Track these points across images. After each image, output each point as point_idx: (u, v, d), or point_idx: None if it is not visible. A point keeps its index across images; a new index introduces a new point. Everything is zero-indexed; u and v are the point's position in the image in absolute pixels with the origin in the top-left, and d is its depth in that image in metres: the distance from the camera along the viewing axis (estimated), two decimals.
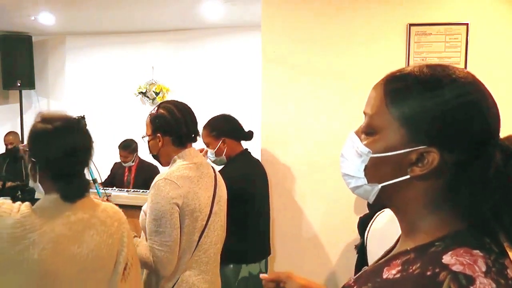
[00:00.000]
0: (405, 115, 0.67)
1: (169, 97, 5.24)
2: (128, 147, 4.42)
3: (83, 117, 3.02)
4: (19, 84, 5.23)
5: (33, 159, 1.31)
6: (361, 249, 2.48)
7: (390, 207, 0.75)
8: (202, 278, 1.77)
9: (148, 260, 1.65)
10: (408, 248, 0.69)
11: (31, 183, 1.35)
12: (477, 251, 0.62)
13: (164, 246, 1.64)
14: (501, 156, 0.64)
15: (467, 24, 2.58)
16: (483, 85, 0.68)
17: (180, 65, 5.29)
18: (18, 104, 5.46)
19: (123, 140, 4.54)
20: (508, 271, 0.62)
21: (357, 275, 0.78)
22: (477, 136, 0.65)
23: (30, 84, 5.35)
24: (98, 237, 1.31)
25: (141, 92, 5.39)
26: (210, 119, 2.46)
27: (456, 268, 0.60)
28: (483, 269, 0.60)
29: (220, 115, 2.49)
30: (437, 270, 0.61)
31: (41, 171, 1.30)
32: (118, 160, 4.78)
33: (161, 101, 1.96)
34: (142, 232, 1.77)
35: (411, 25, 2.62)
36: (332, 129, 2.74)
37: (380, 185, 0.70)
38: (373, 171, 0.71)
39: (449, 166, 0.66)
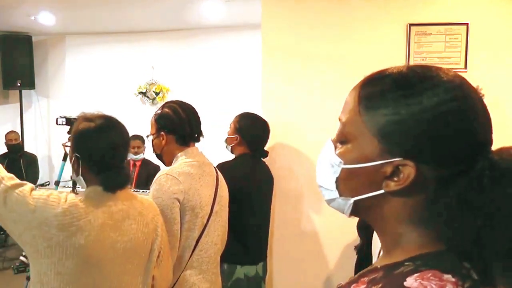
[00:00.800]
0: (378, 124, 0.60)
1: (169, 97, 5.24)
2: (138, 137, 4.39)
3: None
4: (19, 84, 5.23)
5: (77, 155, 1.42)
6: (361, 250, 2.48)
7: (368, 222, 0.68)
8: (203, 278, 1.78)
9: None
10: (379, 266, 0.63)
11: (73, 176, 1.47)
12: (449, 275, 0.54)
13: None
14: (489, 173, 0.56)
15: (467, 24, 2.58)
16: (473, 89, 0.61)
17: (180, 65, 5.29)
18: (18, 104, 5.47)
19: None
20: None
21: None
22: (461, 149, 0.58)
23: (30, 84, 5.36)
24: (135, 226, 1.43)
25: (141, 92, 5.39)
26: (249, 114, 2.49)
27: None
28: None
29: (259, 119, 2.48)
30: None
31: (84, 165, 1.42)
32: None
33: (166, 101, 1.97)
34: None
35: (411, 25, 2.62)
36: (332, 128, 2.73)
37: (352, 199, 0.64)
38: (345, 183, 0.65)
39: (429, 181, 0.59)
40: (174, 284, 1.73)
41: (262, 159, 2.52)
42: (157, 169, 4.17)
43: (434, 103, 0.58)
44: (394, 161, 0.59)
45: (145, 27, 5.13)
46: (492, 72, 2.56)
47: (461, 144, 0.58)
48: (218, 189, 1.86)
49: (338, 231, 2.79)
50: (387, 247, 0.65)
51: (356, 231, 2.46)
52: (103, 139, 1.41)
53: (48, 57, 5.69)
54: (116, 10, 4.38)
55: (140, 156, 4.50)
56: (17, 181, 1.36)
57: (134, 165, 4.54)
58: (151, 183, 1.76)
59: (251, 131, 2.42)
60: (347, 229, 2.77)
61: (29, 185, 1.37)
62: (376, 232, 0.67)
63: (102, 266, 1.35)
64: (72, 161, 1.44)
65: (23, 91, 5.46)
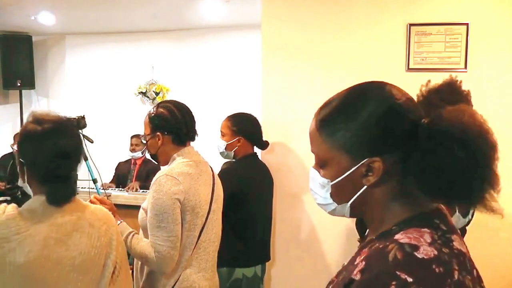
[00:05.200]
0: (340, 143, 0.78)
1: (169, 97, 5.24)
2: (139, 136, 4.47)
3: (83, 117, 3.01)
4: (19, 84, 5.23)
5: (21, 160, 1.28)
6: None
7: (361, 215, 0.84)
8: (202, 276, 1.79)
9: (150, 256, 1.66)
10: (374, 237, 0.80)
11: (20, 183, 1.33)
12: (425, 229, 0.74)
13: (166, 242, 1.64)
14: (429, 143, 0.72)
15: (467, 24, 2.58)
16: (394, 87, 0.79)
17: (180, 65, 5.29)
18: (18, 104, 5.46)
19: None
20: (454, 243, 0.73)
21: (338, 271, 0.87)
22: (403, 133, 0.75)
23: (30, 84, 5.35)
24: (86, 239, 1.29)
25: (141, 92, 5.39)
26: (237, 113, 2.49)
27: (403, 240, 0.72)
28: (428, 240, 0.71)
29: (248, 114, 2.50)
30: (387, 243, 0.73)
31: (29, 172, 1.28)
32: (120, 159, 4.79)
33: (160, 101, 1.97)
34: (141, 230, 1.78)
35: (411, 25, 2.62)
36: None
37: (349, 203, 0.82)
38: (337, 194, 0.82)
39: (395, 165, 0.76)
40: (175, 283, 1.73)
41: (262, 161, 2.53)
42: (156, 167, 4.21)
43: (372, 111, 0.76)
44: (364, 162, 0.77)
45: (145, 27, 5.13)
46: (492, 72, 2.56)
47: (402, 130, 0.75)
48: (215, 188, 1.87)
49: (336, 230, 2.79)
50: (375, 226, 0.82)
51: (354, 230, 2.45)
52: (48, 146, 1.25)
53: (48, 57, 5.69)
54: (116, 10, 4.38)
55: (138, 154, 4.61)
56: None
57: (135, 163, 4.66)
58: (150, 179, 1.76)
59: (249, 128, 2.43)
60: (345, 229, 2.78)
61: None
62: (366, 217, 0.84)
63: (47, 285, 1.21)
64: (18, 166, 1.30)
65: (23, 91, 5.45)
